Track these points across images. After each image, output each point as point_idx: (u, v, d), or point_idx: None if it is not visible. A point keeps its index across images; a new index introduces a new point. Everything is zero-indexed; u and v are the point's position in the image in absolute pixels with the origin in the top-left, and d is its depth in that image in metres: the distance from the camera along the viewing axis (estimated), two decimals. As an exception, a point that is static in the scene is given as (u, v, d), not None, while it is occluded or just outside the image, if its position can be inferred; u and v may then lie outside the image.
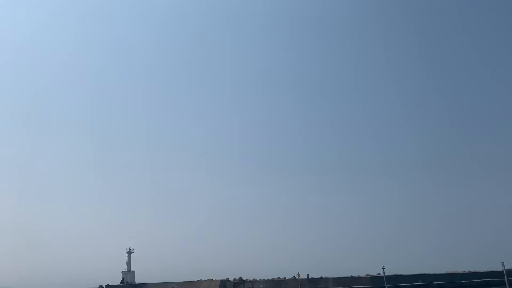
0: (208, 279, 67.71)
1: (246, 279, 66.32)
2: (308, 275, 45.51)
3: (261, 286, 60.50)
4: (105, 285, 72.51)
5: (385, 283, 28.21)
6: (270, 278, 65.74)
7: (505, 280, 46.50)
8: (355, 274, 62.35)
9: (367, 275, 61.32)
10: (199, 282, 67.93)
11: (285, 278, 65.76)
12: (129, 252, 75.85)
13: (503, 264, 45.10)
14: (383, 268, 26.90)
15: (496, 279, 53.50)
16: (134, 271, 74.67)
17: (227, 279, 67.88)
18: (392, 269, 60.08)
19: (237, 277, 67.80)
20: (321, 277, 63.47)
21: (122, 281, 72.86)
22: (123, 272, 74.00)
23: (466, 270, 62.24)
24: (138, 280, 74.08)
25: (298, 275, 38.35)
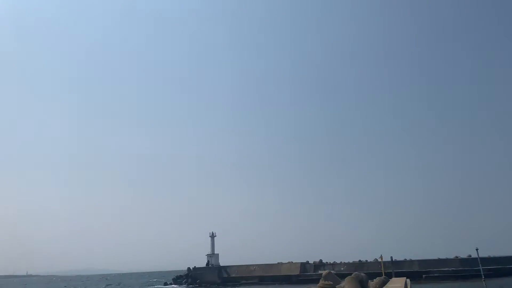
0: (289, 262, 69.43)
1: (326, 262, 66.95)
2: (391, 257, 44.75)
3: (342, 268, 60.69)
4: (193, 268, 77.45)
5: (480, 265, 26.96)
6: (351, 261, 65.75)
7: None
8: (443, 257, 59.94)
9: (456, 257, 58.62)
10: (280, 264, 69.91)
11: (366, 260, 65.30)
12: (212, 236, 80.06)
13: None
14: (477, 250, 25.71)
15: None
16: (218, 254, 78.73)
17: (307, 262, 69.06)
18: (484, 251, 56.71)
19: (317, 260, 68.70)
20: (405, 259, 62.04)
21: (207, 264, 77.30)
22: (207, 255, 78.44)
23: None
24: (222, 262, 78.13)
25: (381, 257, 37.93)
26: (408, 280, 18.29)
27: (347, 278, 16.04)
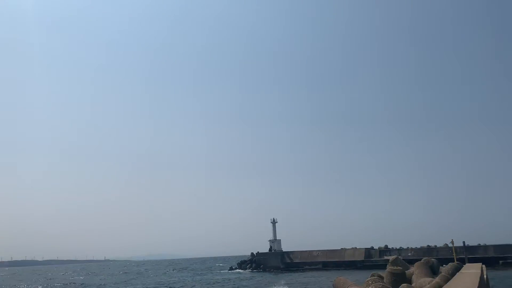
0: (352, 248, 68.43)
1: (392, 247, 65.07)
2: (464, 242, 42.42)
3: (409, 254, 58.64)
4: (256, 253, 79.16)
5: None
6: (418, 246, 63.30)
7: None
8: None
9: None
10: (343, 250, 69.13)
11: (435, 246, 62.50)
12: (273, 222, 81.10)
13: None
14: None
15: None
16: (280, 239, 79.73)
17: (372, 248, 67.60)
18: None
19: (382, 246, 67.01)
20: (479, 244, 58.45)
21: (270, 249, 78.59)
22: (270, 241, 79.70)
23: None
24: (285, 248, 79.00)
25: (452, 242, 36.01)
26: (483, 266, 17.23)
27: (417, 264, 15.49)
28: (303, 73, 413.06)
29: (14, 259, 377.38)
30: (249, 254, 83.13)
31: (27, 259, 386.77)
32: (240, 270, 77.63)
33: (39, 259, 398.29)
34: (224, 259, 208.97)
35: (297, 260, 71.74)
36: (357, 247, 67.87)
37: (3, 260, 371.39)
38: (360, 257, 64.70)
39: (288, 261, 72.66)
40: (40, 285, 62.28)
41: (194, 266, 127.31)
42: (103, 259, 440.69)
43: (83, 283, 61.17)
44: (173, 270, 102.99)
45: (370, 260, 63.35)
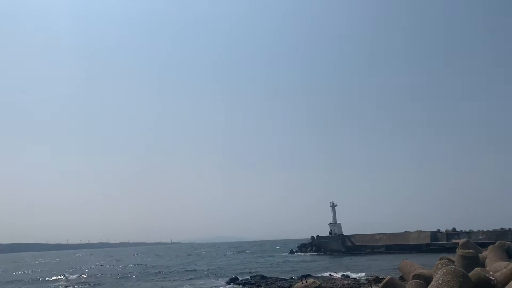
0: (417, 231, 66.13)
1: (461, 230, 61.95)
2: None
3: (480, 237, 55.54)
4: (316, 236, 79.27)
5: None
6: (491, 229, 59.65)
7: None
8: None
9: None
10: (407, 233, 67.03)
11: (509, 228, 58.54)
12: (333, 206, 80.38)
13: None
14: None
15: None
16: (340, 223, 78.98)
17: (438, 230, 64.87)
18: None
19: (449, 229, 64.04)
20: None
21: (330, 233, 78.25)
22: (330, 224, 79.27)
23: None
24: (345, 231, 78.21)
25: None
26: None
27: (491, 247, 14.77)
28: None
29: (91, 241, 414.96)
30: (308, 237, 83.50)
31: (102, 241, 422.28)
32: (300, 253, 78.33)
33: (113, 242, 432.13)
34: (282, 242, 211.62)
35: (358, 244, 70.88)
36: (422, 230, 65.52)
37: (82, 242, 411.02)
38: (425, 240, 62.43)
39: (349, 244, 72.00)
40: (107, 265, 67.45)
41: (253, 248, 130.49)
42: (169, 241, 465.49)
43: (151, 264, 65.23)
44: (232, 252, 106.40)
45: (436, 243, 60.94)
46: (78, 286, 35.38)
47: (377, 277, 27.14)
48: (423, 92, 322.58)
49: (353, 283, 25.14)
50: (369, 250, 67.55)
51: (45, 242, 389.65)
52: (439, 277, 9.05)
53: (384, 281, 7.74)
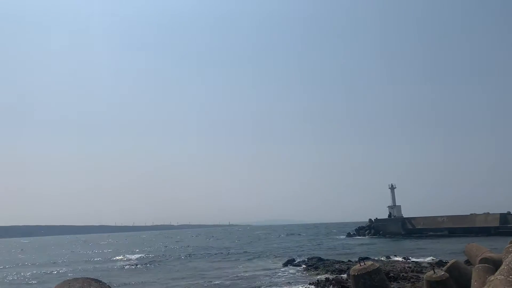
0: (484, 213, 62.31)
1: (535, 213, 57.45)
2: None
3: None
4: (374, 219, 77.52)
5: None
6: None
7: None
8: None
9: None
10: (473, 215, 63.36)
11: None
12: (392, 188, 77.88)
13: None
14: None
15: None
16: (400, 205, 76.41)
17: (508, 213, 60.65)
18: None
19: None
20: None
21: (389, 215, 76.09)
22: (389, 207, 77.02)
23: None
24: (405, 214, 75.65)
25: None
26: None
27: None
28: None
29: (154, 224, 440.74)
30: (364, 221, 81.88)
31: (165, 223, 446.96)
32: (358, 236, 77.15)
33: (174, 224, 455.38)
34: (337, 225, 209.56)
35: (419, 226, 68.33)
36: (490, 212, 61.62)
37: (146, 224, 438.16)
38: (494, 223, 58.71)
39: (410, 227, 69.64)
40: (169, 246, 70.92)
41: (308, 231, 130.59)
42: (227, 224, 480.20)
43: (211, 245, 67.61)
44: (287, 235, 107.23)
45: (506, 226, 57.10)
46: (141, 265, 37.65)
47: (440, 260, 26.09)
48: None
49: (415, 266, 24.36)
50: (431, 233, 64.94)
51: (114, 224, 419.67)
52: (510, 260, 8.45)
53: (448, 264, 7.39)
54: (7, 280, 30.00)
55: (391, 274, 20.85)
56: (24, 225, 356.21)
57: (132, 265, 37.62)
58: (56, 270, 35.47)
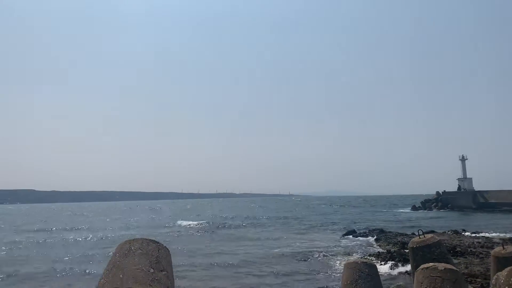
0: None
1: None
2: None
3: None
4: (442, 192, 73.82)
5: None
6: None
7: None
8: None
9: None
10: (557, 190, 57.98)
11: None
12: (463, 159, 73.20)
13: None
14: None
15: None
16: (471, 178, 71.86)
17: None
18: None
19: None
20: None
21: (459, 188, 71.99)
22: (459, 179, 72.73)
23: None
24: (477, 187, 71.11)
25: None
26: None
27: None
28: None
29: (218, 191, 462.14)
30: (430, 194, 78.14)
31: (227, 192, 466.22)
32: (424, 210, 74.16)
33: (236, 192, 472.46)
34: (399, 198, 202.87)
35: (493, 200, 63.99)
36: None
37: (210, 192, 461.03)
38: None
39: (482, 201, 65.50)
40: (224, 213, 73.47)
41: (369, 203, 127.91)
42: (287, 193, 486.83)
43: (270, 215, 69.01)
44: (347, 206, 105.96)
45: None
46: (200, 231, 39.57)
47: (514, 237, 24.43)
48: None
49: (485, 242, 23.04)
50: (505, 208, 60.58)
51: (181, 192, 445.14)
52: None
53: (521, 240, 6.85)
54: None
55: (458, 249, 19.94)
56: (101, 191, 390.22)
57: (191, 230, 39.78)
58: (123, 233, 38.60)
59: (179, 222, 52.05)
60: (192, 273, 17.38)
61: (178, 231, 39.12)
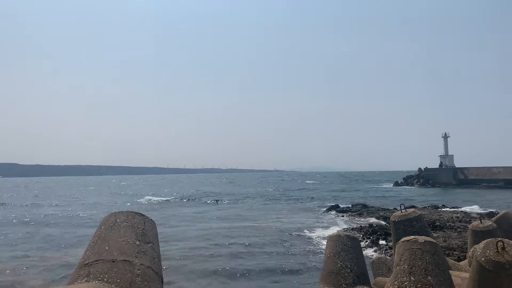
0: (546, 165, 58.50)
1: None
2: None
3: None
4: (424, 168, 75.41)
5: None
6: None
7: None
8: None
9: None
10: (533, 167, 59.79)
11: None
12: (445, 136, 74.59)
13: None
14: None
15: None
16: (452, 155, 73.46)
17: None
18: None
19: None
20: None
21: (440, 165, 73.61)
22: (440, 156, 74.29)
23: None
24: (458, 164, 72.84)
25: None
26: None
27: None
28: None
29: (204, 167, 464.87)
30: (412, 170, 79.80)
31: (213, 167, 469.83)
32: (406, 186, 75.83)
33: (223, 168, 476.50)
34: (382, 174, 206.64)
35: (472, 177, 65.76)
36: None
37: (197, 167, 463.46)
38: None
39: (462, 177, 67.25)
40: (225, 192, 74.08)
41: (353, 179, 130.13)
42: (273, 169, 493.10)
43: (256, 190, 69.71)
44: (331, 182, 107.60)
45: None
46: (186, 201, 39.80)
47: (491, 211, 25.25)
48: None
49: (463, 216, 23.80)
50: (484, 184, 62.41)
51: (166, 167, 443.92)
52: None
53: (499, 214, 7.10)
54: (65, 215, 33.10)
55: (437, 223, 20.57)
56: (86, 165, 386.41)
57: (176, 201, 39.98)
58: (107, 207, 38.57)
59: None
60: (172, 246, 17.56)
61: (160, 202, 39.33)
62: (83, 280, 2.75)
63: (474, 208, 30.43)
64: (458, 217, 23.35)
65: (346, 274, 4.75)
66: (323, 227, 22.65)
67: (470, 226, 6.58)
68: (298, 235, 20.08)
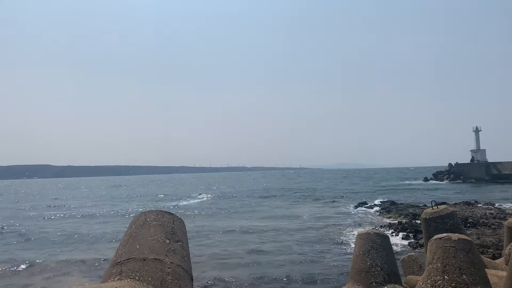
0: None
1: None
2: None
3: None
4: (455, 163, 73.17)
5: None
6: None
7: None
8: None
9: None
10: None
11: None
12: (476, 131, 72.11)
13: None
14: None
15: None
16: (485, 149, 70.94)
17: None
18: None
19: None
20: None
21: (472, 160, 71.26)
22: (472, 151, 71.90)
23: None
24: (490, 158, 70.29)
25: None
26: None
27: None
28: None
29: (229, 165, 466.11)
30: (442, 165, 77.50)
31: (239, 165, 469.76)
32: (436, 181, 73.83)
33: (248, 166, 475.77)
34: (410, 170, 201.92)
35: (506, 172, 63.28)
36: None
37: (222, 166, 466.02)
38: None
39: (495, 172, 64.83)
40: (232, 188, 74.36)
41: (379, 175, 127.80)
42: (298, 166, 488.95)
43: (281, 187, 69.57)
44: (358, 178, 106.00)
45: None
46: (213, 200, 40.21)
47: (528, 208, 24.26)
48: None
49: (497, 213, 22.96)
50: (520, 179, 59.99)
51: (192, 166, 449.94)
52: None
53: (536, 211, 6.78)
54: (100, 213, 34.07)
55: (470, 220, 19.94)
56: (116, 165, 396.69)
57: (209, 201, 40.42)
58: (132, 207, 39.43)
59: (195, 194, 52.91)
60: (208, 240, 17.79)
61: (196, 202, 39.87)
62: (116, 278, 2.82)
63: (509, 205, 29.31)
64: (492, 214, 22.55)
65: (376, 273, 4.66)
66: (351, 224, 22.36)
67: (506, 222, 6.34)
68: (327, 232, 19.89)
